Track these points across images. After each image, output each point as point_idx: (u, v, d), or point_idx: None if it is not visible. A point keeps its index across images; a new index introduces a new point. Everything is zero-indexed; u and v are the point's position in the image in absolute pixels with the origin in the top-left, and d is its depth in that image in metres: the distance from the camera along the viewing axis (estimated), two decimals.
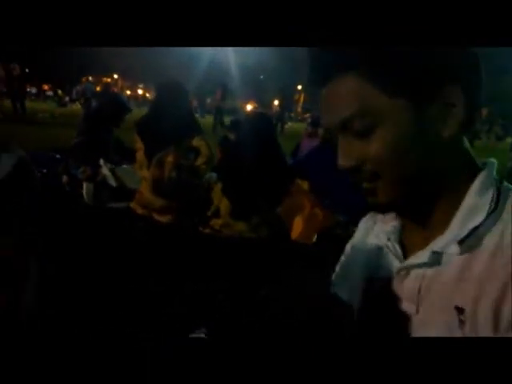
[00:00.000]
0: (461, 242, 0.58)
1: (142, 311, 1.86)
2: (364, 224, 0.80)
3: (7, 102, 11.54)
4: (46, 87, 27.20)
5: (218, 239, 2.54)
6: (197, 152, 2.74)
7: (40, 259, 0.87)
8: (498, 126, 20.66)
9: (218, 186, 2.66)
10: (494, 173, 0.63)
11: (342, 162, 0.63)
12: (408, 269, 0.64)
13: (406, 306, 0.64)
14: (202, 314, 1.82)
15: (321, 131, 4.19)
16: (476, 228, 0.58)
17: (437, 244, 0.61)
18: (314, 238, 2.43)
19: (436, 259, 0.61)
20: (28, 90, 19.26)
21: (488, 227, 0.58)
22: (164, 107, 2.71)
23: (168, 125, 2.62)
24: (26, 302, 0.91)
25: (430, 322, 0.60)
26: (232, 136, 4.36)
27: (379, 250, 0.71)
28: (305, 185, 2.67)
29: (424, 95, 0.58)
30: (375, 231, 0.75)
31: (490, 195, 0.60)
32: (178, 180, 2.65)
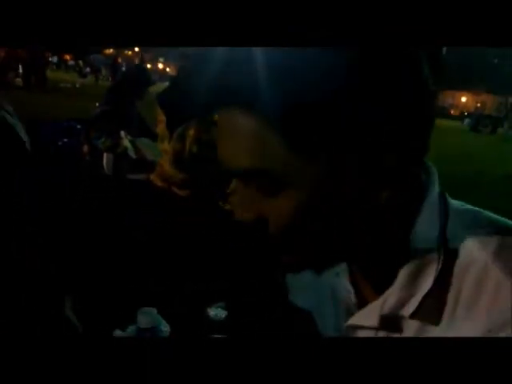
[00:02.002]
0: (412, 315, 0.51)
1: (159, 285, 1.87)
2: None
3: (28, 72, 11.58)
4: (67, 57, 27.23)
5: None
6: None
7: None
8: None
9: None
10: (436, 197, 0.52)
11: (241, 214, 0.53)
12: (358, 327, 0.57)
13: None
14: (220, 290, 1.82)
15: None
16: (426, 296, 0.50)
17: (385, 307, 0.53)
18: None
19: (387, 323, 0.53)
20: (50, 59, 19.32)
21: (438, 293, 0.50)
22: (187, 80, 2.67)
23: (191, 98, 2.59)
24: None
25: None
26: None
27: (329, 285, 0.63)
28: None
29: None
30: None
31: (434, 253, 0.49)
32: (199, 154, 2.64)
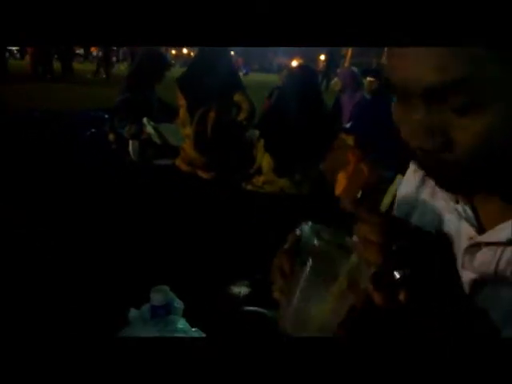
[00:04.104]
0: None
1: (181, 265, 1.90)
2: (413, 175, 0.71)
3: (57, 64, 11.81)
4: (92, 48, 27.62)
5: (260, 196, 2.54)
6: (238, 108, 2.71)
7: None
8: None
9: (261, 143, 2.64)
10: None
11: (422, 141, 0.49)
12: (486, 243, 0.56)
13: (475, 278, 0.56)
14: (242, 271, 1.84)
15: (367, 82, 4.03)
16: None
17: None
18: (359, 194, 2.38)
19: None
20: (77, 52, 19.65)
21: None
22: (206, 63, 2.68)
23: (210, 80, 2.60)
24: None
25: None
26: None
27: (444, 210, 0.63)
28: (349, 140, 2.60)
29: None
30: (431, 188, 0.66)
31: None
32: (221, 136, 2.65)
